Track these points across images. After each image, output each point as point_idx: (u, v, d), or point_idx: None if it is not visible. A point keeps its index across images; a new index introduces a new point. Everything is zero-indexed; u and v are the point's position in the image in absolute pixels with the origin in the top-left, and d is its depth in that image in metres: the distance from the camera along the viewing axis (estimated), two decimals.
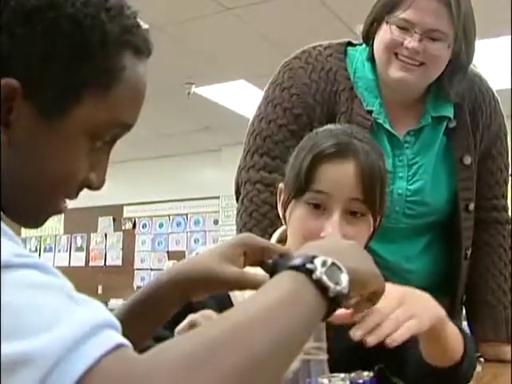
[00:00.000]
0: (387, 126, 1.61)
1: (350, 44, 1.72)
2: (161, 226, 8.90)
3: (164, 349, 0.55)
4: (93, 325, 0.54)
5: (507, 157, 1.80)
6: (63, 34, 0.69)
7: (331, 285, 0.67)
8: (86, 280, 8.68)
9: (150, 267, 8.81)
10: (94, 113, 0.72)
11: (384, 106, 1.62)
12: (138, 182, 8.39)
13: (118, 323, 0.57)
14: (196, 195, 8.46)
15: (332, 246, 0.80)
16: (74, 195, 0.78)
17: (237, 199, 1.71)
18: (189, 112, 6.56)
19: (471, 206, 1.66)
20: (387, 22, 1.53)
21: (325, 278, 0.67)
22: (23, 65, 0.68)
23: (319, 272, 0.67)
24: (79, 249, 9.36)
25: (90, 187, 0.78)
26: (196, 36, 4.96)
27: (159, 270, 8.60)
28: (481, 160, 1.71)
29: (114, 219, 9.08)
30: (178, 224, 8.79)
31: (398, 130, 1.63)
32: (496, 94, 1.78)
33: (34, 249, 9.54)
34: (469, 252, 1.68)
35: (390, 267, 1.61)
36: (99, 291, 8.75)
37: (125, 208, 8.89)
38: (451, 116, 1.65)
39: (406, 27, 1.51)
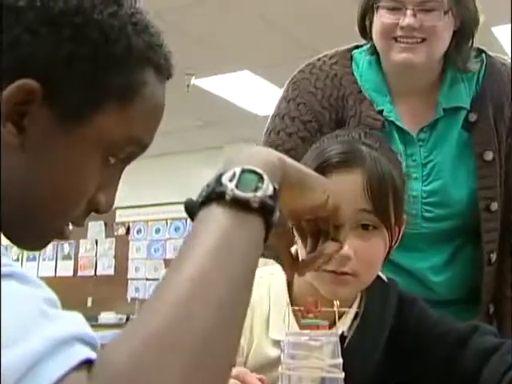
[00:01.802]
0: (399, 123, 1.64)
1: (356, 47, 1.78)
2: (157, 231, 8.91)
3: (107, 356, 0.55)
4: (59, 340, 0.54)
5: None
6: (89, 40, 0.74)
7: (249, 195, 0.65)
8: (75, 291, 8.69)
9: (146, 277, 8.82)
10: (112, 125, 0.76)
11: (395, 104, 1.67)
12: (132, 183, 8.38)
13: (93, 337, 0.58)
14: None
15: (252, 151, 0.77)
16: (81, 219, 0.81)
17: None
18: (188, 106, 6.58)
19: (493, 206, 1.65)
20: (377, 9, 1.59)
21: (238, 192, 0.65)
22: (45, 66, 0.72)
23: (230, 189, 0.66)
24: (66, 257, 9.38)
25: (98, 210, 0.82)
26: (196, 22, 4.97)
27: (155, 279, 8.61)
28: (509, 155, 1.71)
29: (105, 224, 9.10)
30: (177, 229, 8.79)
31: (411, 128, 1.66)
32: None
33: (15, 258, 9.56)
34: (493, 256, 1.68)
35: (414, 277, 1.62)
36: (89, 304, 8.76)
37: (117, 212, 8.90)
38: (466, 106, 1.67)
39: (396, 7, 1.56)
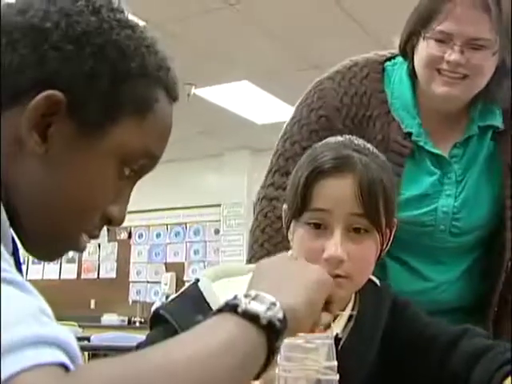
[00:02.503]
0: (429, 147, 1.59)
1: (388, 59, 1.70)
2: (158, 235, 8.91)
3: (85, 373, 0.55)
4: (41, 337, 0.54)
5: None
6: (108, 58, 0.79)
7: (260, 310, 0.67)
8: (78, 294, 8.67)
9: (147, 280, 8.81)
10: (128, 137, 0.81)
11: (424, 124, 1.61)
12: (134, 188, 8.38)
13: (76, 352, 0.57)
14: (196, 203, 8.47)
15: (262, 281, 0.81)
16: (95, 231, 0.85)
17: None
18: (189, 115, 6.58)
19: None
20: (424, 37, 1.52)
21: (250, 307, 0.67)
22: (69, 80, 0.77)
23: (243, 303, 0.68)
24: (70, 260, 9.36)
25: (111, 222, 0.85)
26: (196, 33, 4.97)
27: (156, 282, 8.61)
28: None
29: (107, 228, 9.01)
30: (177, 234, 8.79)
31: (442, 146, 1.62)
32: None
33: (22, 261, 9.51)
34: (509, 264, 1.67)
35: (437, 288, 1.61)
36: (92, 305, 8.74)
37: None
38: (500, 125, 1.62)
39: (444, 40, 1.49)
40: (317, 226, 1.17)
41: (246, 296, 0.69)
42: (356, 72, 1.67)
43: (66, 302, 7.97)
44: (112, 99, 0.79)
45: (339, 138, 1.27)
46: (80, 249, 0.84)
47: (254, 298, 0.69)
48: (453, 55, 1.47)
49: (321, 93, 1.67)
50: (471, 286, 1.67)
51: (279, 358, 0.86)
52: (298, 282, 0.81)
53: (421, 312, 1.32)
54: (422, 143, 1.59)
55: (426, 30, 1.51)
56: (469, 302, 1.67)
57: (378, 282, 1.34)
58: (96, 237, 0.86)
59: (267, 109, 6.61)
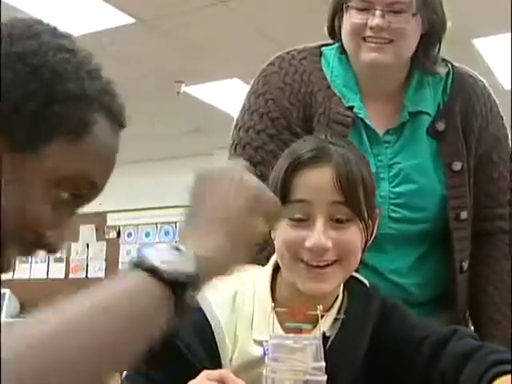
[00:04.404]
0: (368, 121, 1.65)
1: (325, 45, 1.78)
2: (147, 235, 8.88)
3: None
4: None
5: (511, 160, 1.79)
6: (43, 80, 0.79)
7: (163, 265, 0.69)
8: (66, 293, 8.64)
9: None
10: (62, 158, 0.80)
11: (364, 102, 1.68)
12: (123, 187, 8.35)
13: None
14: (186, 202, 8.44)
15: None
16: (27, 253, 0.83)
17: None
18: (178, 113, 6.58)
19: (463, 215, 1.66)
20: (347, 9, 1.61)
21: (153, 261, 0.70)
22: (3, 100, 0.76)
23: (148, 259, 0.70)
24: (58, 260, 9.32)
25: (45, 246, 0.83)
26: (186, 31, 4.97)
27: None
28: (480, 166, 1.72)
29: (96, 228, 9.06)
30: (167, 233, 8.77)
31: (378, 129, 1.67)
32: (493, 95, 1.79)
33: None
34: (465, 265, 1.69)
35: (381, 276, 1.62)
36: None
37: (108, 215, 8.86)
38: (430, 112, 1.68)
39: (365, 7, 1.58)
40: (299, 220, 1.19)
41: (155, 249, 0.72)
42: (294, 55, 1.76)
43: (53, 302, 7.94)
44: (43, 119, 0.79)
45: (315, 137, 1.30)
46: (6, 270, 0.83)
47: (166, 252, 0.72)
48: (375, 20, 1.56)
49: (264, 79, 1.75)
50: (430, 281, 1.69)
51: (267, 358, 0.86)
52: (224, 219, 0.84)
53: (409, 314, 1.32)
54: (362, 115, 1.65)
55: (347, 1, 1.60)
56: (433, 297, 1.69)
57: (366, 282, 1.34)
58: (27, 255, 0.85)
59: None
